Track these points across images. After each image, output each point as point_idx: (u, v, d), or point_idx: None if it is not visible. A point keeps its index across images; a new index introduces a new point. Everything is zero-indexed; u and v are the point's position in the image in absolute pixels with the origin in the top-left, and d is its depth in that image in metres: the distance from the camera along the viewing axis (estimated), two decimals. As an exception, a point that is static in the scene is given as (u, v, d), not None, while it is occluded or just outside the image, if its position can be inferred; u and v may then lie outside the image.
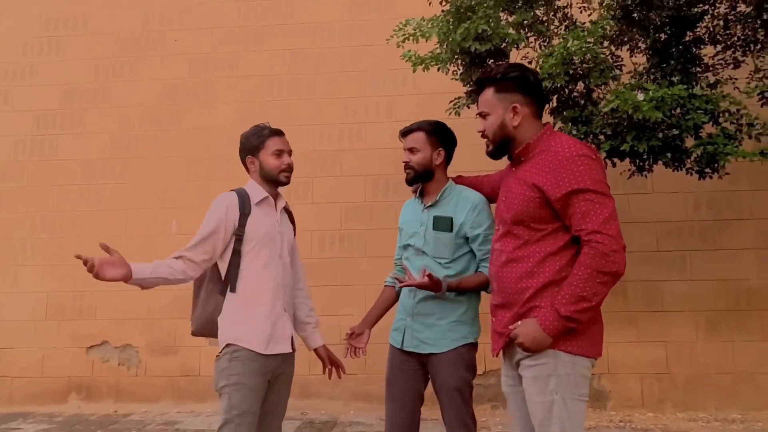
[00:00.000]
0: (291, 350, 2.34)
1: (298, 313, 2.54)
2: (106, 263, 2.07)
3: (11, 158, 5.17)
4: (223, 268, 2.32)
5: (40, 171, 5.14)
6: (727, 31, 3.25)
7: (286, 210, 2.51)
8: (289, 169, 2.41)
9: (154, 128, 5.08)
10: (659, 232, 4.46)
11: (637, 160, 3.11)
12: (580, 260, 1.79)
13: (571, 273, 1.81)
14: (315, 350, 2.57)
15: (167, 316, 4.82)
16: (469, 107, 3.16)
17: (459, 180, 2.55)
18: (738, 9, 3.23)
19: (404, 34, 2.79)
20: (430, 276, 2.23)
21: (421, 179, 2.47)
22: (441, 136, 2.48)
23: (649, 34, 2.83)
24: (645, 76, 2.92)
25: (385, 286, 2.67)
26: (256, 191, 2.38)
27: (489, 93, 2.00)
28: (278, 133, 2.43)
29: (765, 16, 3.18)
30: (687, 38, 2.96)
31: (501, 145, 2.01)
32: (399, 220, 2.61)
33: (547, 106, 3.22)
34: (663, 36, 2.91)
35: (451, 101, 3.24)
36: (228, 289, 2.30)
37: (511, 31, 2.64)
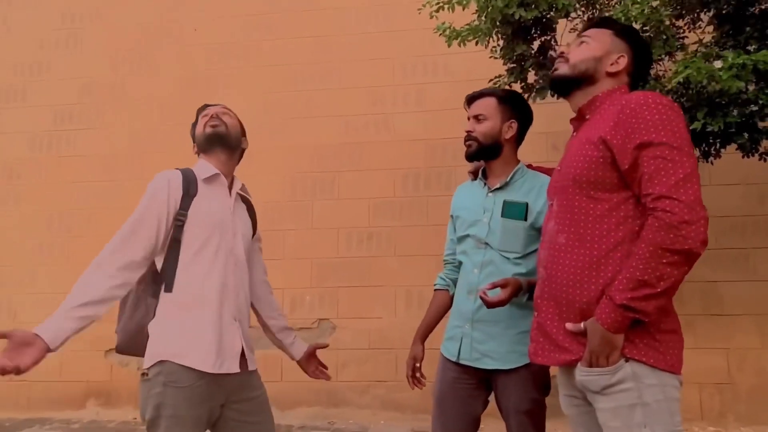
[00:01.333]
0: (239, 370, 1.80)
1: (278, 323, 2.12)
2: (13, 353, 1.52)
3: (28, 155, 5.01)
4: (158, 263, 1.83)
5: (58, 167, 4.96)
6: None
7: (244, 199, 2.05)
8: (213, 119, 1.96)
9: (174, 122, 4.85)
10: (719, 228, 4.04)
11: (703, 145, 2.73)
12: (643, 234, 1.41)
13: (636, 251, 1.42)
14: (300, 360, 2.13)
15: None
16: (510, 86, 2.83)
17: (530, 167, 2.18)
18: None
19: (438, 2, 2.47)
20: (504, 285, 1.85)
21: (485, 155, 2.08)
22: (516, 106, 2.10)
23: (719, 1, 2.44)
24: (714, 47, 2.54)
25: (436, 290, 2.26)
26: (204, 168, 1.93)
27: (605, 31, 1.69)
28: (205, 106, 2.06)
29: None
30: (760, 2, 2.58)
31: (578, 77, 1.66)
32: (452, 207, 2.22)
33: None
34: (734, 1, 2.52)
35: (491, 80, 2.91)
36: (162, 289, 1.78)
37: (560, -4, 2.31)
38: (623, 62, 1.64)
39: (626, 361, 1.45)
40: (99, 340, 4.67)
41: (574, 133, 1.71)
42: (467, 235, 2.09)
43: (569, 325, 1.53)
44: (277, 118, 4.65)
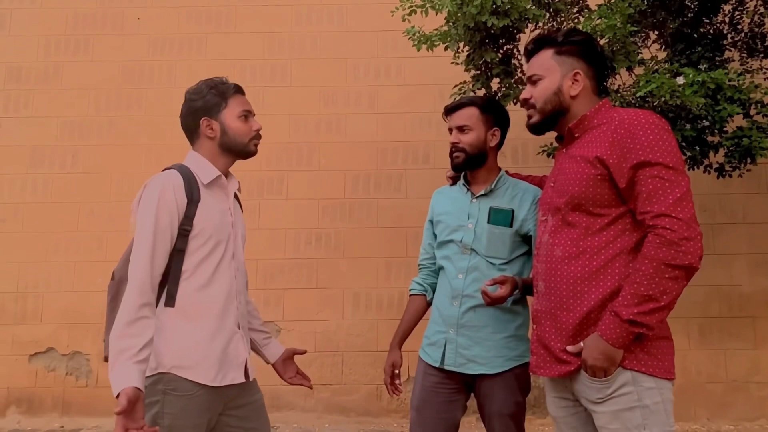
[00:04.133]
0: (244, 380, 1.75)
1: (252, 323, 2.00)
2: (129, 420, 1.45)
3: (-55, 142, 4.60)
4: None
5: (-21, 157, 4.58)
6: (738, 26, 3.09)
7: (235, 195, 1.94)
8: (259, 136, 1.88)
9: (111, 113, 4.59)
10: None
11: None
12: (644, 251, 1.48)
13: (634, 268, 1.48)
14: (275, 363, 2.03)
15: (122, 320, 4.34)
16: (474, 92, 2.87)
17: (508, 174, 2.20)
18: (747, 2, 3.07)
19: (411, 6, 2.46)
20: (502, 282, 1.88)
21: (472, 164, 2.09)
22: (497, 114, 2.12)
23: (675, 18, 2.60)
24: (668, 63, 2.69)
25: (412, 295, 2.24)
26: (205, 168, 1.78)
27: (546, 55, 1.69)
28: (242, 90, 1.90)
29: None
30: (712, 25, 2.76)
31: (551, 116, 1.69)
32: (432, 211, 2.21)
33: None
34: (688, 20, 2.68)
35: (456, 85, 2.93)
36: (163, 302, 1.67)
37: (530, 6, 2.36)
38: (581, 78, 1.68)
39: (625, 369, 1.51)
40: (22, 344, 4.35)
41: (563, 149, 1.74)
42: (450, 240, 2.08)
43: (570, 348, 1.57)
44: (225, 113, 4.48)
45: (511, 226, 2.01)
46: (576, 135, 1.69)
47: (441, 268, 2.12)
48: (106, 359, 1.63)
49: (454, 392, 2.03)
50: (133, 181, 4.45)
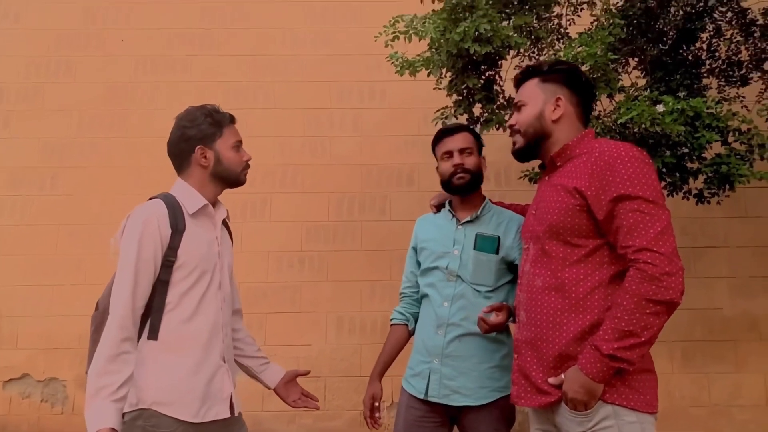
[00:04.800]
0: (229, 414, 1.71)
1: (245, 351, 1.98)
2: None
3: None
4: None
5: (-44, 178, 4.50)
6: (714, 53, 3.16)
7: (225, 222, 1.93)
8: (248, 166, 1.90)
9: (92, 134, 4.55)
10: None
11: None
12: (625, 285, 1.47)
13: (615, 302, 1.48)
14: (276, 388, 1.99)
15: (100, 345, 4.25)
16: (456, 117, 2.88)
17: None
18: (723, 32, 3.14)
19: (395, 32, 2.48)
20: (499, 309, 1.87)
21: (473, 187, 2.10)
22: (480, 141, 2.18)
23: (653, 47, 2.65)
24: (648, 91, 2.73)
25: (393, 324, 2.21)
26: (192, 197, 1.76)
27: (531, 83, 1.73)
28: (234, 120, 1.91)
29: (750, 40, 3.09)
30: (690, 52, 2.82)
31: (534, 141, 1.72)
32: (415, 239, 2.19)
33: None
34: (667, 48, 2.74)
35: (438, 110, 2.95)
36: (146, 335, 1.63)
37: (512, 33, 2.39)
38: (563, 104, 1.71)
39: (605, 403, 1.50)
40: (-4, 369, 4.25)
41: (546, 177, 1.76)
42: (435, 267, 2.06)
43: (551, 380, 1.57)
44: (208, 135, 4.45)
45: (497, 253, 2.00)
46: (558, 164, 1.70)
47: (425, 296, 2.10)
48: None
49: (437, 426, 2.00)
50: (115, 203, 4.39)
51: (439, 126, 3.08)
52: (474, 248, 2.01)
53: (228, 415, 1.71)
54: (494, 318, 1.86)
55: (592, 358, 1.47)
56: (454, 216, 2.12)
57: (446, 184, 2.12)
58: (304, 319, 4.33)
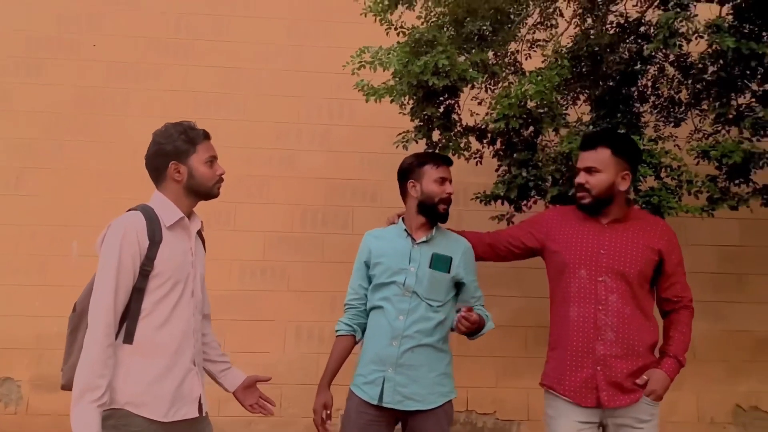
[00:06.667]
0: (197, 414, 1.83)
1: (209, 354, 2.10)
2: None
3: None
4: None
5: None
6: (657, 91, 3.42)
7: (199, 233, 2.06)
8: (222, 180, 2.03)
9: (60, 137, 4.58)
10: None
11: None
12: (686, 320, 2.26)
13: (680, 327, 2.24)
14: (235, 392, 2.11)
15: (58, 346, 4.15)
16: (417, 142, 3.07)
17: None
18: (666, 71, 3.40)
19: (361, 62, 2.66)
20: (470, 310, 2.09)
21: (447, 215, 2.35)
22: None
23: (598, 86, 2.89)
24: (591, 127, 2.97)
25: (339, 335, 2.34)
26: (169, 210, 1.88)
27: (605, 153, 2.19)
28: (209, 136, 2.04)
29: (689, 80, 3.35)
30: (631, 92, 3.06)
31: (603, 201, 2.22)
32: (369, 253, 2.33)
33: (491, 147, 3.20)
34: (609, 88, 2.98)
35: (400, 134, 3.13)
36: (121, 339, 1.73)
37: (468, 68, 2.59)
38: (629, 178, 2.22)
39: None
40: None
41: (605, 224, 2.27)
42: (392, 282, 2.22)
43: (639, 381, 2.16)
44: (177, 144, 4.53)
45: (449, 272, 2.19)
46: (620, 221, 2.28)
47: (376, 308, 2.25)
48: (64, 387, 1.75)
49: (384, 427, 2.18)
50: (80, 206, 4.44)
51: (401, 149, 3.26)
52: (429, 266, 2.19)
53: (196, 414, 1.83)
54: (475, 316, 2.10)
55: (674, 365, 2.18)
56: (409, 235, 2.28)
57: (431, 207, 2.27)
58: (264, 327, 4.43)
